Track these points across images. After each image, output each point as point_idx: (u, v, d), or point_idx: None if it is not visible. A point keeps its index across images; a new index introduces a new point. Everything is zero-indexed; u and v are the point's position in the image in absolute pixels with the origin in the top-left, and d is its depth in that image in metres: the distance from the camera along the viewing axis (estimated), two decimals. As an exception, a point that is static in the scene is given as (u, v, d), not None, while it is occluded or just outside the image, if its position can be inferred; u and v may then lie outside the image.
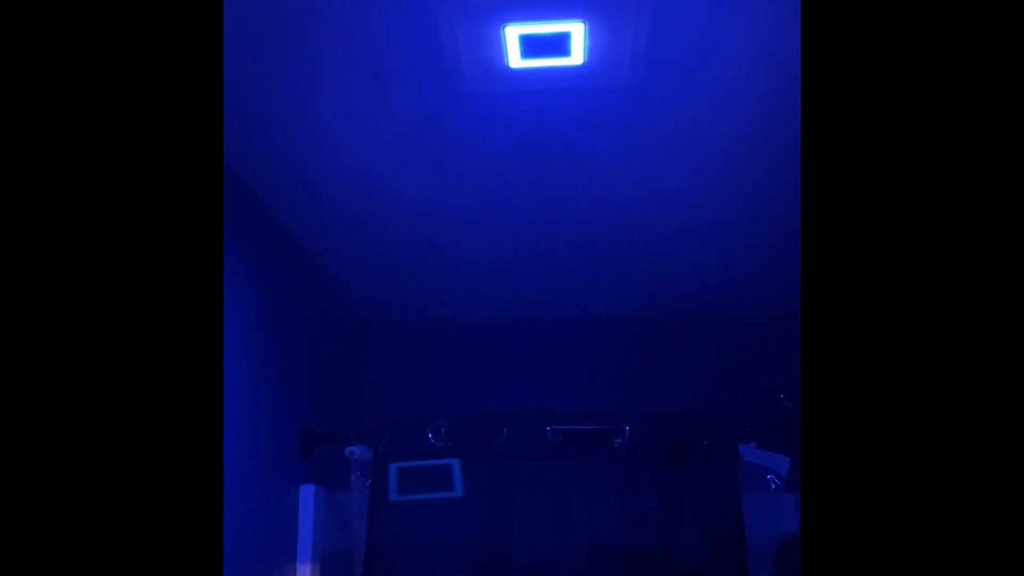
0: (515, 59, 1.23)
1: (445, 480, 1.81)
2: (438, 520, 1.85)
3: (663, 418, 1.92)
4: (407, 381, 2.33)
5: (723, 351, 2.31)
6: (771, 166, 1.52)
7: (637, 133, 1.43)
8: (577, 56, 1.23)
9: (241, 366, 1.52)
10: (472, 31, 1.17)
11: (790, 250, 1.86)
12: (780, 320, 2.27)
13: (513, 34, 1.18)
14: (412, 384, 2.32)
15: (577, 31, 1.18)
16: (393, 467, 1.81)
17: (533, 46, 1.21)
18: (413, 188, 1.62)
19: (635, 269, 2.02)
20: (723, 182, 1.59)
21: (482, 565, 1.84)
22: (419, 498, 1.79)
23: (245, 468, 1.52)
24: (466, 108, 1.36)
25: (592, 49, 1.21)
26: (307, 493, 1.80)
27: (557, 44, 1.21)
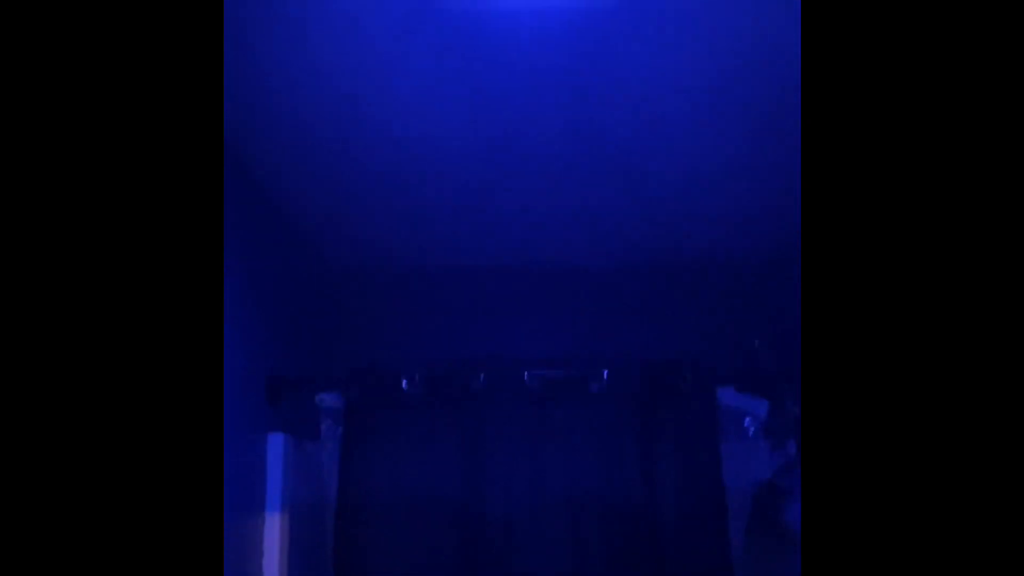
0: (502, -26, 1.15)
1: None
2: (412, 469, 1.80)
3: (641, 363, 1.90)
4: (380, 328, 2.26)
5: (701, 296, 2.29)
6: (769, 97, 1.46)
7: (625, 60, 1.36)
8: (568, -28, 1.15)
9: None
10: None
11: (777, 194, 1.83)
12: (759, 265, 2.26)
13: (502, -55, 1.11)
14: (386, 331, 2.26)
15: (570, -56, 1.11)
16: None
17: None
18: (385, 123, 1.52)
19: (614, 214, 1.97)
20: (714, 117, 1.52)
21: (457, 513, 1.80)
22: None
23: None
24: (442, 29, 1.27)
25: (585, -36, 1.14)
26: (275, 442, 1.73)
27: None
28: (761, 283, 2.25)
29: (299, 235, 2.06)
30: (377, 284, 2.31)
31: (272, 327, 1.80)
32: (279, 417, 1.76)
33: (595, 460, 1.84)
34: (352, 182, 1.78)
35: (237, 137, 1.55)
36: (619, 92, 1.44)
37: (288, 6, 1.19)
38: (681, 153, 1.68)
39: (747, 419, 1.90)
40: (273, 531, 1.69)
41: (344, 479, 1.79)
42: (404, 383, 1.81)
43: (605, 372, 1.86)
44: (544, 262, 2.28)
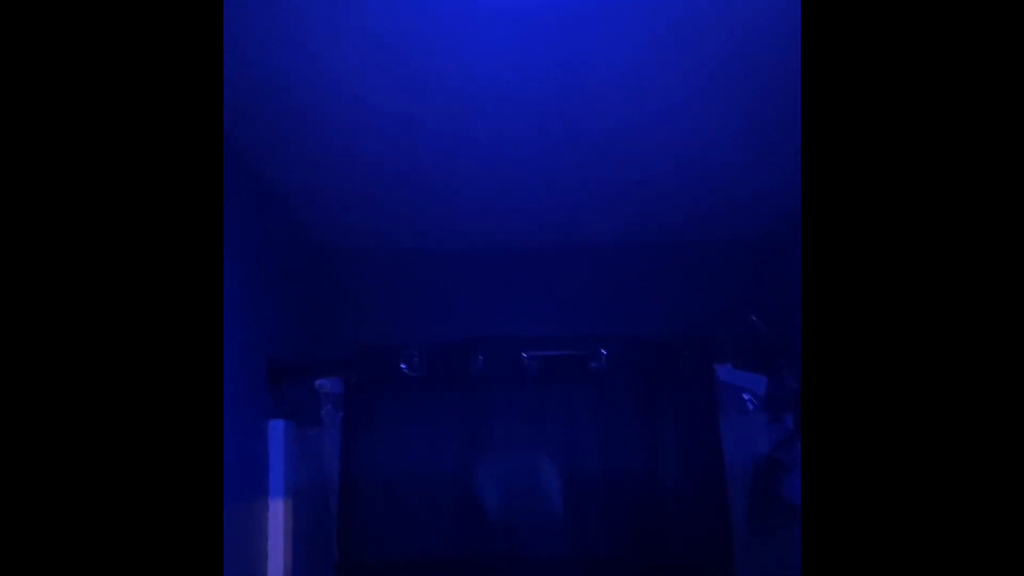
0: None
1: None
2: (414, 451, 1.81)
3: (639, 341, 1.90)
4: (379, 311, 2.26)
5: (699, 274, 2.29)
6: (770, 78, 1.44)
7: (628, 49, 1.35)
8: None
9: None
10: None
11: (776, 172, 1.82)
12: (755, 242, 2.26)
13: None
14: (384, 314, 2.25)
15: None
16: None
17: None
18: (387, 109, 1.51)
19: (613, 193, 1.96)
20: (716, 96, 1.51)
21: (459, 495, 1.81)
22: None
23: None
24: (448, 22, 1.25)
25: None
26: (276, 428, 1.73)
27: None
28: (758, 260, 2.25)
29: (298, 220, 2.05)
30: (376, 267, 2.31)
31: (271, 313, 1.80)
32: (280, 403, 1.76)
33: (595, 439, 1.84)
34: (351, 166, 1.77)
35: (236, 123, 1.54)
36: (620, 73, 1.43)
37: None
38: (681, 132, 1.67)
39: (746, 395, 1.91)
40: (277, 516, 1.69)
41: (345, 462, 1.80)
42: (403, 366, 1.81)
43: (604, 351, 1.86)
44: (542, 243, 2.28)
